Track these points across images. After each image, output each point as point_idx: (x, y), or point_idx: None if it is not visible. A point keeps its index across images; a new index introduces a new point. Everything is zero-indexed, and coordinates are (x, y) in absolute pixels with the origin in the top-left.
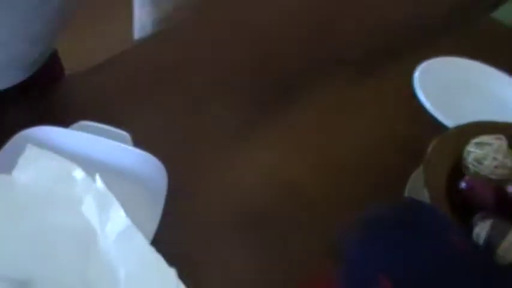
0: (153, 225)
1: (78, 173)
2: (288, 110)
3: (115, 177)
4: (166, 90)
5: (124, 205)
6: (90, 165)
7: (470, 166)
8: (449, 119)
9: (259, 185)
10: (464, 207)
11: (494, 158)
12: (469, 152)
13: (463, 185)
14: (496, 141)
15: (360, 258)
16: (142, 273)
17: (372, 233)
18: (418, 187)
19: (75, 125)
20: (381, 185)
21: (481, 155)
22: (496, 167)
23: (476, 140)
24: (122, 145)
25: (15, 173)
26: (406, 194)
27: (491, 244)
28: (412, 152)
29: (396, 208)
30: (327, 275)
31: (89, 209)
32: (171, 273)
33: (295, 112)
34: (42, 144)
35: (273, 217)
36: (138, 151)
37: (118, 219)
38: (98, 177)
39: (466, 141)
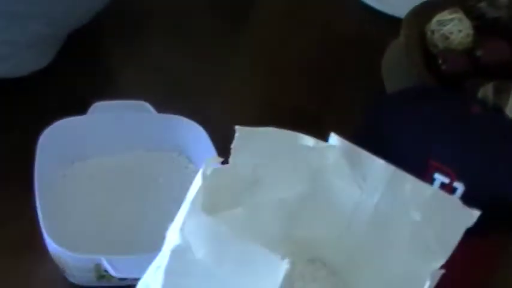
0: None
1: (308, 140)
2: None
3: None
4: None
5: None
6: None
7: (439, 44)
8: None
9: None
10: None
11: (459, 31)
12: (434, 31)
13: (440, 61)
14: (455, 15)
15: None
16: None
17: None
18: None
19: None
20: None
21: (446, 30)
22: (462, 37)
23: (436, 18)
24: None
25: (236, 158)
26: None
27: (497, 105)
28: (367, 46)
29: (413, 89)
30: None
31: (338, 171)
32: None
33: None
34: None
35: None
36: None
37: (378, 168)
38: (333, 135)
39: (427, 22)
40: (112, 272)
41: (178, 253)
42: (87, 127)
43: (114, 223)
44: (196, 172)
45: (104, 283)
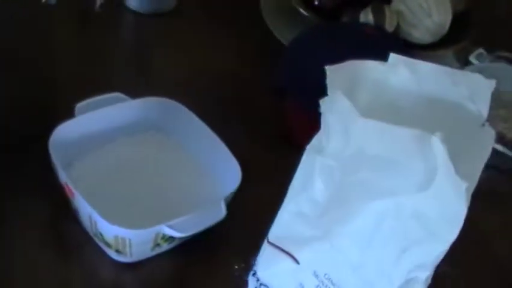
0: None
1: (375, 63)
2: None
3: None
4: None
5: None
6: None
7: None
8: None
9: None
10: None
11: None
12: None
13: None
14: None
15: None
16: None
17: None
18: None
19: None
20: None
21: None
22: None
23: None
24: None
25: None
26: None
27: (378, 24)
28: None
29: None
30: None
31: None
32: None
33: None
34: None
35: None
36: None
37: (428, 67)
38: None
39: None
40: (176, 234)
41: (352, 156)
42: (82, 127)
43: (138, 199)
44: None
45: (156, 251)
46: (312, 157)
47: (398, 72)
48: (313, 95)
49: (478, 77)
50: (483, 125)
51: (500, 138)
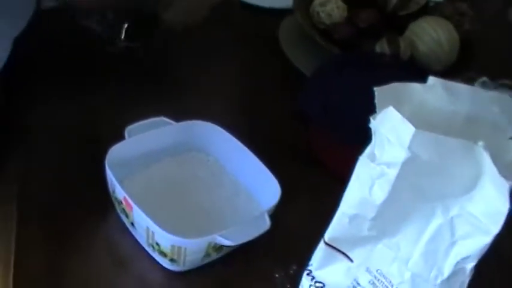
0: None
1: (416, 85)
2: None
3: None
4: None
5: None
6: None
7: (325, 21)
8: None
9: None
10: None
11: (337, 7)
12: (318, 12)
13: (333, 33)
14: None
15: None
16: None
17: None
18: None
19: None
20: None
21: (329, 9)
22: (341, 13)
23: (317, 1)
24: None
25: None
26: None
27: (394, 53)
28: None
29: (338, 58)
30: None
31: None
32: None
33: None
34: None
35: None
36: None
37: (463, 89)
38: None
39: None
40: (227, 243)
41: (406, 162)
42: (132, 148)
43: (185, 214)
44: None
45: (205, 261)
46: (366, 165)
47: (435, 93)
48: (339, 121)
49: (505, 97)
50: (511, 138)
51: None
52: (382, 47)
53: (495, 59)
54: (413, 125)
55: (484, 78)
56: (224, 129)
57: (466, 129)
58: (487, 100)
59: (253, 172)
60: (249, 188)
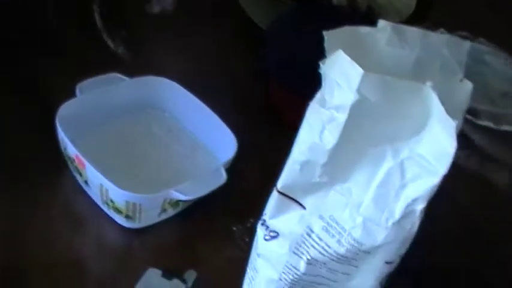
0: None
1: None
2: None
3: None
4: None
5: None
6: None
7: None
8: None
9: None
10: None
11: None
12: None
13: None
14: None
15: None
16: None
17: None
18: None
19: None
20: None
21: None
22: None
23: None
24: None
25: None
26: None
27: (351, 6)
28: None
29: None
30: None
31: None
32: None
33: None
34: None
35: None
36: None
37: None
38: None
39: None
40: (183, 197)
41: (355, 105)
42: (84, 105)
43: (141, 170)
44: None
45: (162, 217)
46: (316, 110)
47: (386, 36)
48: (299, 75)
49: (455, 39)
50: (461, 80)
51: None
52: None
53: (453, 10)
54: (363, 68)
55: (442, 30)
56: (181, 85)
57: (417, 72)
58: (437, 43)
59: (210, 127)
60: (206, 143)
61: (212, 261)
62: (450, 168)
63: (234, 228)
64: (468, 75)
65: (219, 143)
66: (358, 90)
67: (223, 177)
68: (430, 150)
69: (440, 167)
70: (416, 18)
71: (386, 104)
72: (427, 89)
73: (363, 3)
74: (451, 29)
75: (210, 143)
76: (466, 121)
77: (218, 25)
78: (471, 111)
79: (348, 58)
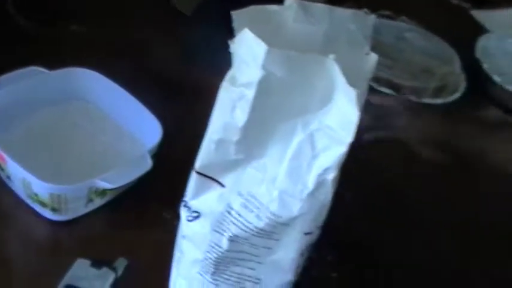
0: None
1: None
2: None
3: None
4: None
5: None
6: None
7: None
8: None
9: None
10: None
11: None
12: None
13: None
14: None
15: None
16: None
17: None
18: None
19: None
20: None
21: None
22: None
23: None
24: None
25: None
26: None
27: None
28: None
29: None
30: None
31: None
32: None
33: None
34: None
35: None
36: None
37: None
38: None
39: None
40: (108, 186)
41: (262, 81)
42: (3, 100)
43: (66, 162)
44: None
45: (89, 208)
46: (227, 89)
47: (293, 13)
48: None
49: (361, 14)
50: (367, 53)
51: (389, 84)
52: None
53: None
54: (273, 45)
55: (365, 10)
56: (104, 75)
57: (325, 48)
58: (343, 18)
59: (134, 114)
60: (131, 131)
61: (143, 248)
62: (372, 140)
63: (165, 214)
64: (392, 52)
65: (144, 129)
66: (264, 66)
67: (148, 163)
68: (337, 120)
69: (347, 136)
70: None
71: (293, 78)
72: (330, 62)
73: None
74: (374, 7)
75: (135, 130)
76: (389, 96)
77: (143, 14)
78: (395, 86)
79: (253, 35)
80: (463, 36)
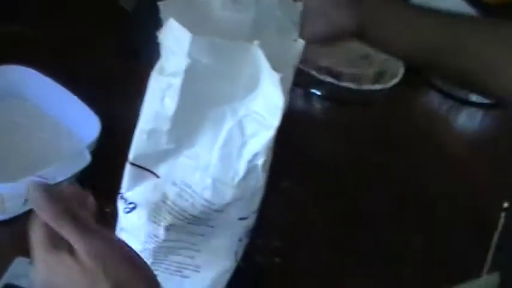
0: None
1: None
2: None
3: None
4: None
5: None
6: None
7: None
8: None
9: None
10: None
11: None
12: None
13: None
14: None
15: None
16: None
17: None
18: None
19: None
20: None
21: None
22: None
23: None
24: None
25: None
26: None
27: None
28: None
29: None
30: None
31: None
32: None
33: None
34: None
35: None
36: None
37: None
38: None
39: None
40: (47, 182)
41: (188, 69)
42: None
43: (4, 160)
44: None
45: (28, 206)
46: (156, 79)
47: (220, 2)
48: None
49: (287, 1)
50: (295, 40)
51: (329, 72)
52: None
53: None
54: (201, 34)
55: None
56: (44, 73)
57: (254, 34)
58: (271, 5)
59: (73, 111)
60: (69, 127)
61: None
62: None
63: (107, 210)
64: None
65: (82, 125)
66: (189, 54)
67: (87, 158)
68: (264, 105)
69: (273, 120)
70: None
71: (219, 65)
72: (255, 48)
73: None
74: None
75: (74, 126)
76: (331, 84)
77: (84, 10)
78: (336, 74)
79: (178, 24)
80: None
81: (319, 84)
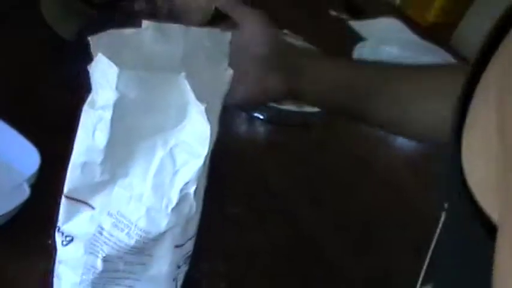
0: None
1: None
2: None
3: None
4: None
5: None
6: None
7: None
8: None
9: None
10: None
11: None
12: None
13: None
14: None
15: None
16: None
17: None
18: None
19: None
20: None
21: None
22: None
23: None
24: None
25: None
26: None
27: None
28: None
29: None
30: None
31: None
32: None
33: None
34: None
35: None
36: None
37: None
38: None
39: None
40: None
41: (117, 103)
42: None
43: None
44: None
45: None
46: (88, 112)
47: (150, 36)
48: None
49: (215, 31)
50: (226, 69)
51: None
52: (140, 5)
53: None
54: (132, 68)
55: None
56: None
57: (186, 65)
58: (199, 36)
59: (12, 144)
60: (9, 161)
61: (27, 279)
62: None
63: (50, 242)
64: None
65: (21, 158)
66: (117, 88)
67: (26, 192)
68: (192, 135)
69: (202, 150)
70: (221, 17)
71: (147, 97)
72: (181, 79)
73: (163, 7)
74: None
75: (13, 160)
76: (271, 108)
77: (24, 42)
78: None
79: (106, 59)
80: (342, 45)
81: (262, 108)
